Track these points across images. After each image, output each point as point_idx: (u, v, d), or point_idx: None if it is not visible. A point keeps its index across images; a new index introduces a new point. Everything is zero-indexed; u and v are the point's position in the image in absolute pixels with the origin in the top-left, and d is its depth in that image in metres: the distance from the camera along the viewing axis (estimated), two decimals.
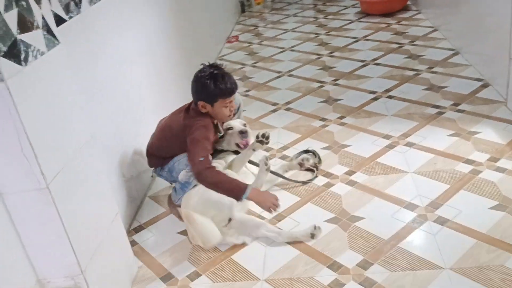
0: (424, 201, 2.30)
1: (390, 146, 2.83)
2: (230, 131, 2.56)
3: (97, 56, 2.34)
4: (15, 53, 1.44)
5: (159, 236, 2.41)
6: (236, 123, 2.59)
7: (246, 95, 3.96)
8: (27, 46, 1.51)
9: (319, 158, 2.79)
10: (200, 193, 2.26)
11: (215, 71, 2.33)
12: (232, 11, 6.50)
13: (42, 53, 1.59)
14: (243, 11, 7.03)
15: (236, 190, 2.17)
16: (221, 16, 5.74)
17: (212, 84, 2.30)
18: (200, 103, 2.35)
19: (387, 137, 2.94)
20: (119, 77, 2.58)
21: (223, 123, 2.56)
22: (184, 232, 2.37)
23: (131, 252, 2.19)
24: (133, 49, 2.83)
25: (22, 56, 1.48)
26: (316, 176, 2.65)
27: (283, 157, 2.92)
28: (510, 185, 2.31)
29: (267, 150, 3.02)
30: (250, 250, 2.19)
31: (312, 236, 2.18)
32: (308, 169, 2.74)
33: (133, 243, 2.37)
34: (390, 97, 3.47)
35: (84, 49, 2.23)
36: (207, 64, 2.40)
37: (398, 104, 3.34)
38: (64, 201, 1.64)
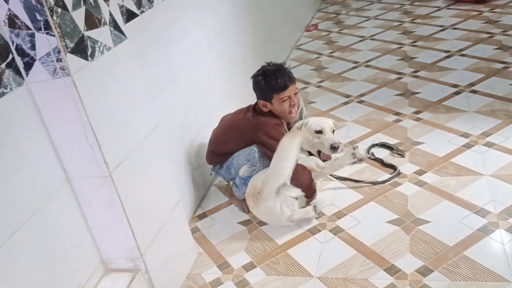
0: (497, 207, 2.13)
1: (468, 146, 2.64)
2: (319, 135, 2.42)
3: (168, 48, 2.43)
4: (81, 49, 1.54)
5: (220, 224, 2.47)
6: (327, 127, 2.43)
7: (319, 86, 3.90)
8: (94, 42, 1.60)
9: (395, 148, 2.72)
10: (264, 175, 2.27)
11: (267, 68, 2.35)
12: None
13: (109, 48, 1.68)
14: None
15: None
16: (300, 3, 5.65)
17: (263, 81, 2.32)
18: (260, 102, 2.37)
19: (465, 135, 2.75)
20: (190, 68, 2.65)
21: (288, 123, 2.53)
22: (243, 223, 2.41)
23: (192, 238, 2.27)
24: (204, 39, 2.88)
25: (89, 52, 1.57)
26: (399, 173, 2.54)
27: None
28: None
29: None
30: (306, 246, 2.18)
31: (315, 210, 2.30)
32: (387, 165, 2.64)
33: (195, 230, 2.47)
34: (474, 91, 3.23)
35: (156, 42, 2.32)
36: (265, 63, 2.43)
37: (481, 100, 3.10)
38: (126, 188, 1.74)
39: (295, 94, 2.38)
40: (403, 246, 2.05)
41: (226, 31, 3.27)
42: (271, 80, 2.30)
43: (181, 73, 2.55)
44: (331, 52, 4.67)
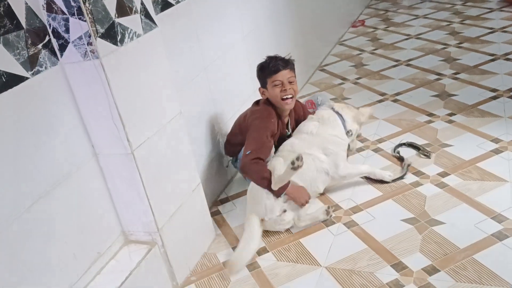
0: (510, 213, 2.10)
1: (496, 151, 2.59)
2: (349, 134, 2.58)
3: (200, 39, 2.54)
4: (111, 35, 1.67)
5: (240, 210, 2.56)
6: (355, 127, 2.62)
7: (355, 83, 3.90)
8: (124, 28, 1.73)
9: (422, 148, 2.73)
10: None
11: (269, 56, 2.47)
12: None
13: (139, 35, 1.80)
14: None
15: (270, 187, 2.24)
16: None
17: (259, 67, 2.46)
18: (260, 89, 2.49)
19: (495, 140, 2.69)
20: (221, 60, 2.74)
21: (287, 116, 2.58)
22: None
23: (210, 220, 2.38)
24: (238, 33, 2.97)
25: (119, 38, 1.70)
26: (405, 173, 2.56)
27: (377, 150, 2.86)
28: None
29: (362, 140, 2.98)
30: (319, 237, 2.24)
31: (327, 213, 2.31)
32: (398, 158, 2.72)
33: (216, 212, 2.58)
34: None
35: (189, 32, 2.43)
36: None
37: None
38: (147, 167, 1.87)
39: (290, 82, 2.41)
40: (414, 244, 2.07)
41: (262, 26, 3.34)
42: (265, 64, 2.43)
43: (212, 65, 2.65)
44: (374, 49, 4.63)
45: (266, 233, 2.33)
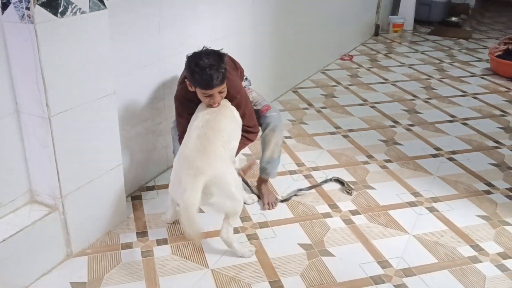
0: (401, 264, 2.22)
1: (412, 204, 2.72)
2: None
3: (163, 30, 2.65)
4: (53, 5, 1.78)
5: (161, 200, 2.66)
6: None
7: (319, 111, 4.03)
8: (69, 2, 1.84)
9: (346, 184, 2.87)
10: None
11: (202, 59, 2.13)
12: (362, 31, 6.49)
13: (83, 12, 1.92)
14: (376, 34, 6.96)
15: None
16: (345, 33, 5.76)
17: (192, 70, 2.15)
18: (187, 81, 2.24)
19: (416, 194, 2.82)
20: (182, 55, 2.86)
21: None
22: None
23: (125, 202, 2.48)
24: (206, 34, 3.07)
25: (60, 9, 1.81)
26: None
27: (307, 176, 2.97)
28: (498, 284, 2.12)
29: (298, 164, 3.10)
30: (221, 241, 2.32)
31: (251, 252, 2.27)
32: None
33: (138, 197, 2.69)
34: (452, 159, 3.27)
35: (152, 21, 2.55)
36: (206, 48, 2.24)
37: (453, 169, 3.15)
38: (63, 135, 1.97)
39: (220, 92, 2.23)
40: (298, 268, 2.18)
41: (238, 33, 3.44)
42: (198, 74, 2.11)
43: (171, 57, 2.76)
44: (349, 85, 4.77)
45: (172, 227, 2.43)
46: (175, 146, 2.60)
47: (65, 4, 1.83)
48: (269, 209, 2.61)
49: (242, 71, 2.61)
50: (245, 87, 2.54)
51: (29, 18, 1.73)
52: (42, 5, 1.75)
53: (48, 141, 1.95)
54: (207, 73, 2.09)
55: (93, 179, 2.20)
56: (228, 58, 2.40)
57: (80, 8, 1.90)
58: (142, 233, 2.39)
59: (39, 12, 1.74)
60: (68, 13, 1.85)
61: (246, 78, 2.68)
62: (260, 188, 2.71)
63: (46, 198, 2.11)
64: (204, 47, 2.24)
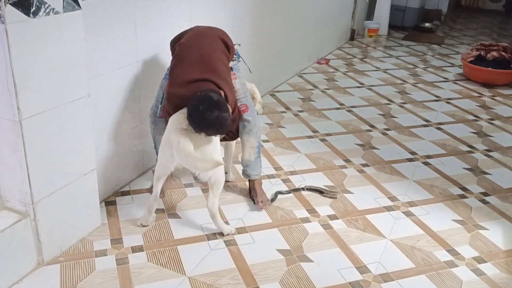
0: (379, 270, 2.22)
1: (389, 208, 2.73)
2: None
3: (139, 32, 2.60)
4: (25, 5, 1.72)
5: (137, 205, 2.60)
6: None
7: (296, 115, 4.04)
8: (41, 2, 1.78)
9: (326, 191, 2.86)
10: None
11: (207, 116, 2.11)
12: (338, 35, 6.53)
13: (57, 12, 1.86)
14: (351, 38, 7.02)
15: None
16: (322, 37, 5.78)
17: (197, 121, 2.13)
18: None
19: (392, 198, 2.84)
20: (158, 58, 2.82)
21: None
22: (156, 211, 2.50)
23: (98, 208, 2.41)
24: None
25: (32, 9, 1.75)
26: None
27: (286, 180, 2.96)
28: None
29: (276, 169, 3.08)
30: (197, 247, 2.29)
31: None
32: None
33: (112, 202, 2.62)
34: (427, 163, 3.31)
35: (127, 22, 2.49)
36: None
37: (428, 173, 3.18)
38: (34, 139, 1.90)
39: None
40: (277, 274, 2.16)
41: None
42: (202, 125, 2.13)
43: (147, 59, 2.71)
44: (326, 89, 4.79)
45: (149, 233, 2.38)
46: (156, 141, 2.62)
47: (37, 4, 1.76)
48: (262, 207, 2.64)
49: (233, 49, 2.58)
50: (231, 69, 2.55)
51: (0, 18, 1.66)
52: (14, 4, 1.68)
53: (19, 145, 1.87)
54: (209, 127, 2.14)
55: (66, 184, 2.14)
56: (220, 40, 2.48)
57: (53, 9, 1.84)
58: (116, 240, 2.33)
59: (10, 12, 1.67)
60: (41, 14, 1.79)
61: (235, 55, 2.65)
62: (252, 188, 2.73)
63: (17, 204, 2.03)
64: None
